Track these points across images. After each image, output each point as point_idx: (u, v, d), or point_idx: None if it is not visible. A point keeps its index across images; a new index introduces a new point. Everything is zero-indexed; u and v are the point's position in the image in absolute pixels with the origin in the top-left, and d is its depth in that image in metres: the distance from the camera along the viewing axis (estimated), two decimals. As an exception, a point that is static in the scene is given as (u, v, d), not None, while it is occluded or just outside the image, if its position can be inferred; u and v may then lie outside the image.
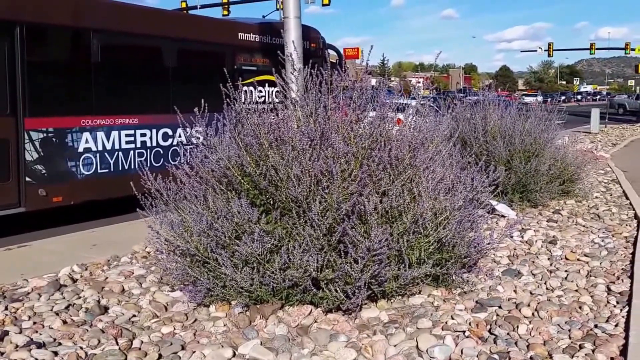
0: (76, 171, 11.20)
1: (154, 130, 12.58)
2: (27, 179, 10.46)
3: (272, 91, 12.38)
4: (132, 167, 12.01)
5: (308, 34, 16.73)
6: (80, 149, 11.20)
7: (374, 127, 6.22)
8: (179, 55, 13.63)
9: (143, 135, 12.35)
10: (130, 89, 12.07)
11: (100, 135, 11.54)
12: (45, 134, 11.00)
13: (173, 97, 12.15)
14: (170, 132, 12.88)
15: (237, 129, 6.38)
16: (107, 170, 11.76)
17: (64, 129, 11.16)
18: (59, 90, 11.35)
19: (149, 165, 11.85)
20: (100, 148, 11.58)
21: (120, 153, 11.95)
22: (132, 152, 12.18)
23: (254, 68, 15.20)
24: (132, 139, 12.13)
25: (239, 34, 15.10)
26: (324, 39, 18.58)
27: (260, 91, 14.26)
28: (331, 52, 19.73)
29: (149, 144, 12.52)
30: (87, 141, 11.26)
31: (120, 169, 11.97)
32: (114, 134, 11.77)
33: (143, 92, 12.54)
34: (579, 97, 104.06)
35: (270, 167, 5.97)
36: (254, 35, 15.42)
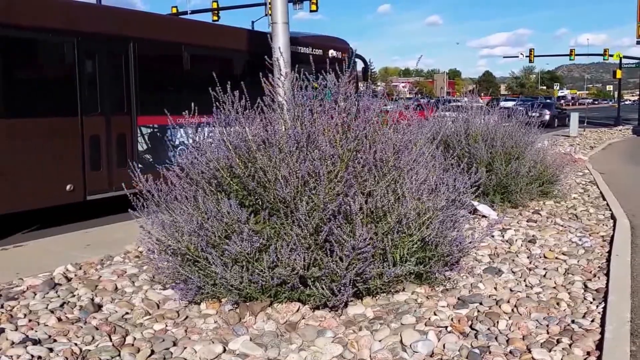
0: (174, 160, 11.76)
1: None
2: (140, 166, 10.90)
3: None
4: None
5: (337, 44, 19.92)
6: (176, 142, 11.78)
7: (359, 130, 6.25)
8: (249, 65, 15.44)
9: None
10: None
11: (191, 131, 12.07)
12: (150, 130, 13.27)
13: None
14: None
15: (227, 131, 6.40)
16: None
17: (164, 126, 12.79)
18: (160, 94, 13.36)
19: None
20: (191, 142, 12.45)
21: None
22: None
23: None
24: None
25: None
26: (352, 49, 20.20)
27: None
28: (358, 60, 21.27)
29: None
30: (181, 136, 11.94)
31: None
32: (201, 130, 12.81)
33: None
34: (562, 101, 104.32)
35: (258, 169, 5.99)
36: (298, 48, 16.79)
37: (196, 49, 14.50)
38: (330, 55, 18.97)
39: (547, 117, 41.70)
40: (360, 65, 22.09)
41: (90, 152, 12.03)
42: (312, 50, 17.78)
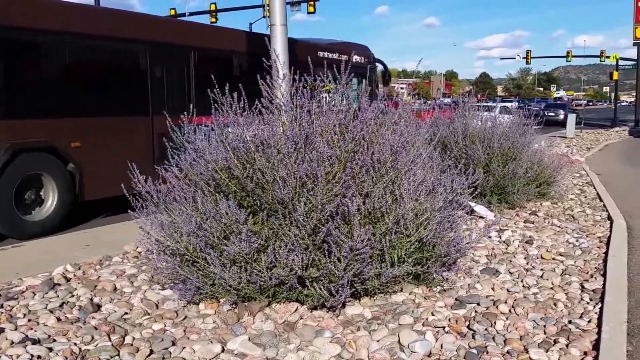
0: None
1: None
2: None
3: (337, 96, 15.15)
4: None
5: (360, 50, 21.61)
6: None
7: (356, 131, 6.25)
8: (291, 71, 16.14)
9: None
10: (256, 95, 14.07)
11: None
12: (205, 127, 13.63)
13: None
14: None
15: (225, 132, 6.41)
16: None
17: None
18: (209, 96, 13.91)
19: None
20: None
21: None
22: None
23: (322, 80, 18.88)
24: None
25: (317, 52, 18.83)
26: (373, 54, 22.72)
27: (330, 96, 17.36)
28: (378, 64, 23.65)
29: None
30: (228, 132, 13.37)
31: None
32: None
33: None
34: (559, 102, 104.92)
35: (256, 170, 6.00)
36: (326, 54, 19.01)
37: (242, 56, 16.02)
38: (353, 60, 18.61)
39: (561, 117, 48.05)
40: (380, 69, 24.03)
41: (159, 147, 12.58)
42: (338, 56, 18.99)
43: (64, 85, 11.82)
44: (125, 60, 13.42)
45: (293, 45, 16.55)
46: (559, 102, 69.74)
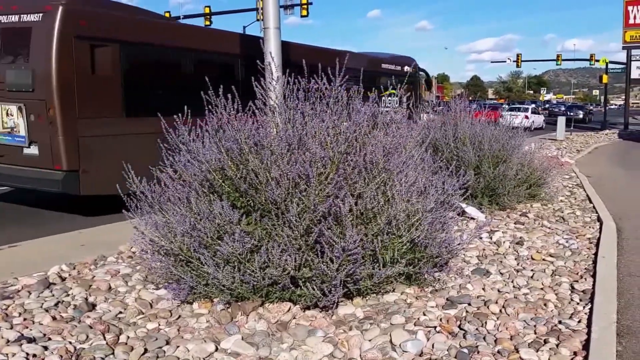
0: None
1: None
2: None
3: (394, 99, 15.47)
4: None
5: (408, 61, 26.52)
6: None
7: (349, 133, 6.25)
8: (357, 78, 18.33)
9: None
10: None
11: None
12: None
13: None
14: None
15: (219, 134, 6.40)
16: None
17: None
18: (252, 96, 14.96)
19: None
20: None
21: None
22: None
23: (384, 86, 22.33)
24: None
25: (381, 64, 23.74)
26: (417, 64, 27.16)
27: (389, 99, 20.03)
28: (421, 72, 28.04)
29: None
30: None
31: None
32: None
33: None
34: (547, 105, 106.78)
35: (250, 171, 5.99)
36: (381, 64, 23.74)
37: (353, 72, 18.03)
38: (405, 70, 25.26)
39: (580, 116, 65.04)
40: (424, 77, 28.59)
41: None
42: (394, 67, 24.65)
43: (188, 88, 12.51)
44: (225, 67, 15.66)
45: (364, 58, 22.16)
46: (578, 103, 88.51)
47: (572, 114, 61.02)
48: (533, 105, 65.13)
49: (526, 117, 41.94)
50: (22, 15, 11.87)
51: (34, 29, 11.62)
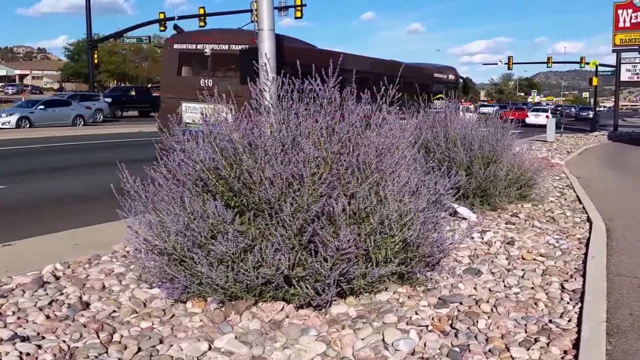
0: None
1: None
2: None
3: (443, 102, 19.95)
4: None
5: (452, 70, 35.01)
6: None
7: (342, 133, 6.25)
8: (417, 85, 23.39)
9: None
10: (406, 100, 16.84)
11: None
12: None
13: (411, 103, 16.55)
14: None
15: (213, 134, 6.39)
16: None
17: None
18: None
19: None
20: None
21: None
22: None
23: (433, 90, 29.74)
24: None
25: (434, 74, 32.18)
26: (457, 72, 35.61)
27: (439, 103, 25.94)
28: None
29: None
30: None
31: None
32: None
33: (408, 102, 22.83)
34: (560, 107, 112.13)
35: (244, 171, 5.98)
36: (433, 73, 32.21)
37: (416, 80, 25.61)
38: (450, 78, 33.86)
39: (591, 115, 69.01)
40: (462, 83, 37.29)
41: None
42: (442, 75, 32.87)
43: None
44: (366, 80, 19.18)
45: (419, 69, 30.71)
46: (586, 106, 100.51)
47: (584, 114, 75.44)
48: (552, 107, 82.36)
49: (547, 116, 51.83)
50: (230, 45, 18.95)
51: (241, 55, 17.53)
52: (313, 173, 5.86)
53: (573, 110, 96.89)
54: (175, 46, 20.66)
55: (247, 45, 17.51)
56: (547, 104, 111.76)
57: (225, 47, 19.27)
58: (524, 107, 74.35)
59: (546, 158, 21.30)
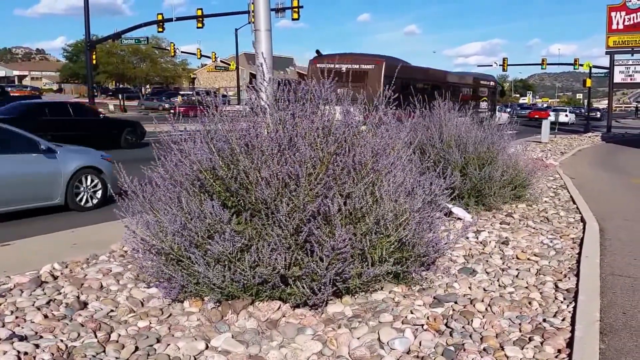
0: None
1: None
2: None
3: (486, 105, 26.31)
4: None
5: (491, 78, 43.23)
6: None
7: (339, 134, 6.24)
8: (462, 90, 30.18)
9: None
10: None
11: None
12: None
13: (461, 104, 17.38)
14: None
15: (210, 134, 6.38)
16: None
17: None
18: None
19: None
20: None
21: None
22: None
23: (479, 94, 37.30)
24: None
25: (481, 81, 40.42)
26: (495, 79, 44.15)
27: (484, 105, 34.63)
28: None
29: None
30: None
31: None
32: None
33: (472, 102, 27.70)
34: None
35: (240, 171, 5.97)
36: (480, 81, 40.31)
37: (459, 86, 33.85)
38: (490, 84, 41.77)
39: (599, 115, 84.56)
40: (499, 88, 47.40)
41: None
42: (484, 82, 40.68)
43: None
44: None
45: (470, 77, 40.27)
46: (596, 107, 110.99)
47: (592, 114, 77.60)
48: (571, 107, 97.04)
49: (566, 115, 66.50)
50: (361, 65, 26.35)
51: (370, 72, 25.99)
52: (309, 173, 5.85)
53: (582, 110, 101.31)
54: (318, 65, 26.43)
55: (374, 65, 26.39)
56: (543, 105, 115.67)
57: (357, 66, 26.09)
58: (547, 108, 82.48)
59: (540, 159, 21.32)
